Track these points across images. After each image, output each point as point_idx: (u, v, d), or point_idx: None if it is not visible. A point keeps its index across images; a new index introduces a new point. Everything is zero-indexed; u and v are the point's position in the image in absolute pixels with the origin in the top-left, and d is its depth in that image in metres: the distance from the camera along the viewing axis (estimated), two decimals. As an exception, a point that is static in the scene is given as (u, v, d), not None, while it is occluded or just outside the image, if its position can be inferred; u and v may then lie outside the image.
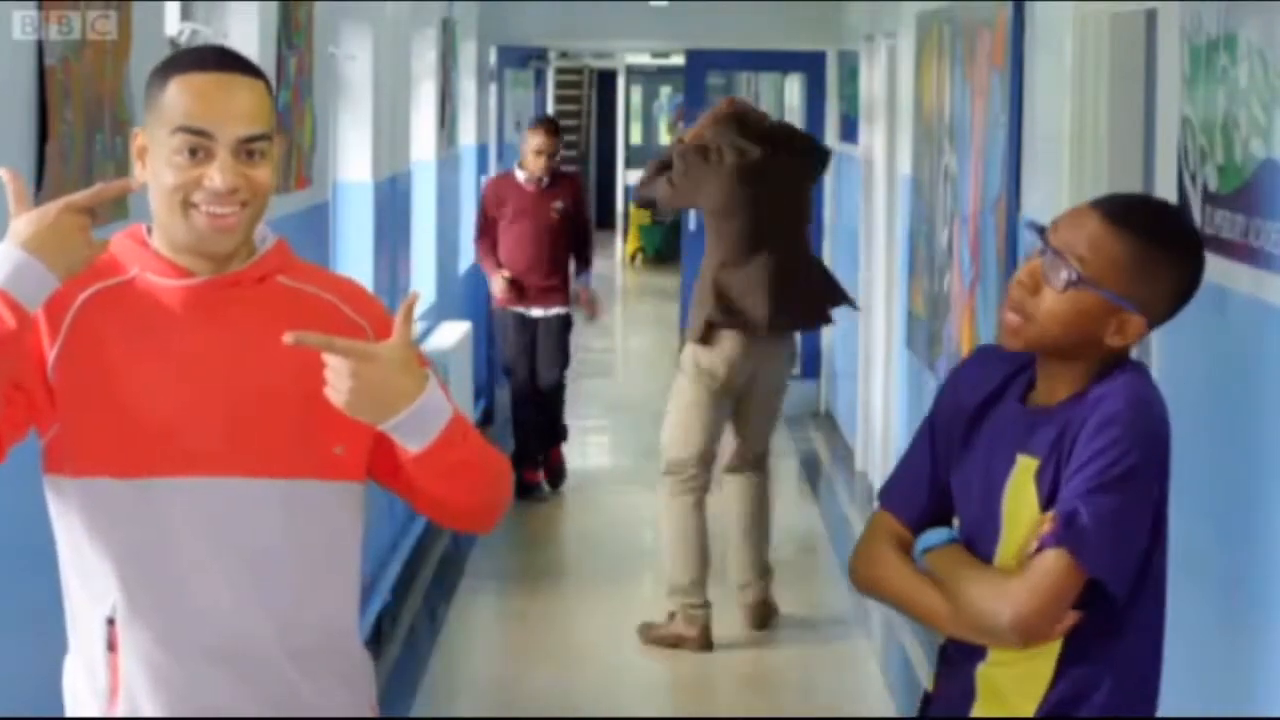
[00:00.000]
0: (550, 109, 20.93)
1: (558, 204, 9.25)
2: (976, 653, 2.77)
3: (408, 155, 8.51)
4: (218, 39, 5.07)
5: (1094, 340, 2.70)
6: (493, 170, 12.43)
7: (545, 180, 9.21)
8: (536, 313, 9.24)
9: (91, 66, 3.62)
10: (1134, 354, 2.81)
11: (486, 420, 10.86)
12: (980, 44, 6.31)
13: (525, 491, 9.23)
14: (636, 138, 25.51)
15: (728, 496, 7.15)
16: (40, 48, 3.36)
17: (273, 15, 5.38)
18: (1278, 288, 3.25)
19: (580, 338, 9.64)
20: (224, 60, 2.50)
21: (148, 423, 2.47)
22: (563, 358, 9.34)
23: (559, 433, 9.49)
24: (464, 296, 10.90)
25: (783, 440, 9.99)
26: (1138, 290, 2.68)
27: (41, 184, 3.33)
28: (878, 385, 9.31)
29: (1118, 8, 4.63)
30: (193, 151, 2.44)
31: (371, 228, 7.31)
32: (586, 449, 10.04)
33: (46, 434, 2.49)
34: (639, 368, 15.07)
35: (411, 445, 2.45)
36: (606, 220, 25.17)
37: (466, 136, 11.40)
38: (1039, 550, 2.65)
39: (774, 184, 6.95)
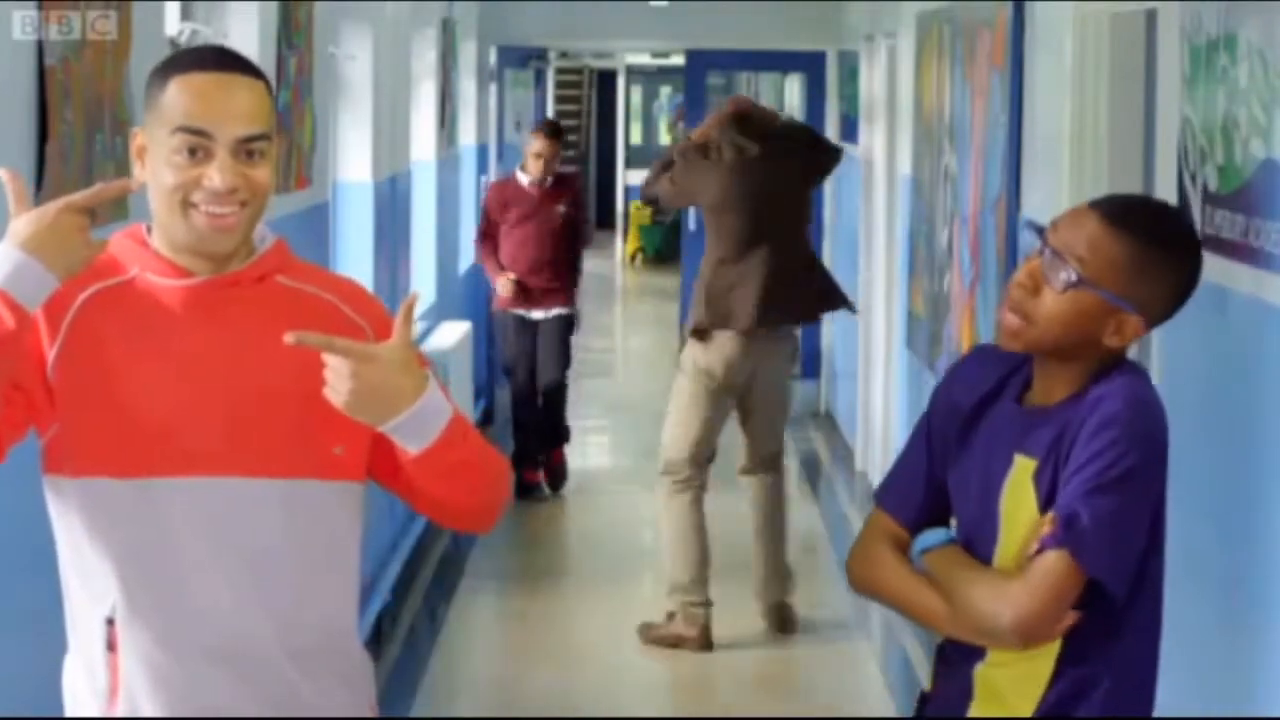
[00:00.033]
0: (550, 109, 20.93)
1: (560, 207, 9.28)
2: (975, 653, 2.77)
3: (408, 155, 8.51)
4: (218, 39, 5.07)
5: (1093, 341, 2.70)
6: (493, 170, 12.44)
7: (548, 183, 9.23)
8: (537, 314, 9.24)
9: (91, 66, 3.62)
10: (1134, 354, 2.82)
11: (486, 420, 10.86)
12: (980, 44, 6.31)
13: (525, 492, 9.23)
14: (636, 138, 25.50)
15: (745, 499, 7.16)
16: (40, 48, 3.36)
17: (273, 15, 5.38)
18: (1278, 288, 3.25)
19: (580, 338, 9.65)
20: (224, 60, 2.50)
21: (147, 423, 2.47)
22: (564, 358, 9.34)
23: (561, 434, 9.48)
24: (464, 296, 10.90)
25: (783, 440, 9.98)
26: (1136, 291, 2.68)
27: (41, 184, 3.33)
28: (878, 385, 9.31)
29: (1118, 8, 4.63)
30: (192, 151, 2.44)
31: (371, 228, 7.31)
32: (586, 449, 10.04)
33: (46, 434, 2.49)
34: (639, 368, 15.07)
35: (411, 446, 2.45)
36: (606, 220, 25.17)
37: (466, 136, 11.40)
38: (1039, 552, 2.65)
39: (773, 182, 6.95)
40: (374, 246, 7.30)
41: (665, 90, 25.11)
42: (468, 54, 11.33)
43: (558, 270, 9.27)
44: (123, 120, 3.76)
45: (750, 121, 7.06)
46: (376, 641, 6.61)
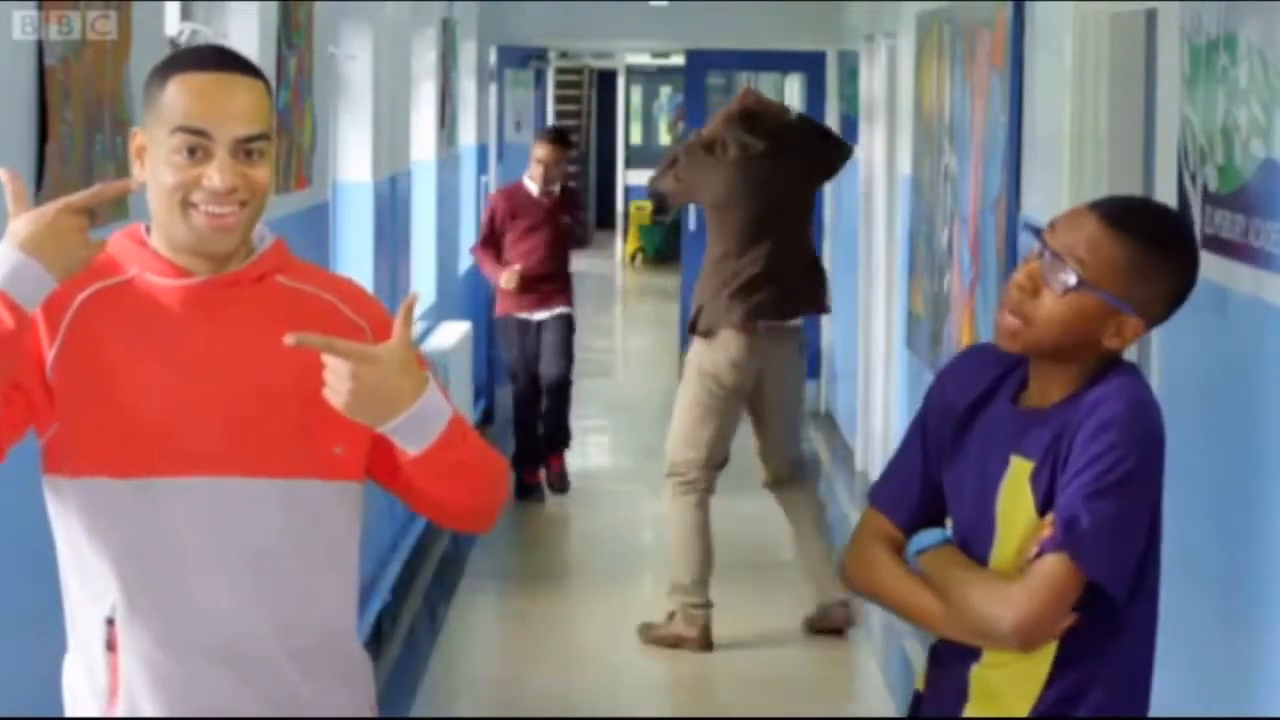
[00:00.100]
0: (550, 109, 20.94)
1: (566, 216, 9.43)
2: (970, 653, 2.77)
3: (408, 155, 8.52)
4: (218, 39, 5.07)
5: (1091, 342, 2.70)
6: (493, 170, 12.44)
7: (556, 191, 9.31)
8: (540, 315, 9.26)
9: (91, 66, 3.62)
10: (1134, 354, 2.82)
11: (486, 420, 10.86)
12: (980, 44, 6.31)
13: (525, 492, 9.24)
14: (636, 138, 25.50)
15: (756, 502, 7.14)
16: (40, 48, 3.36)
17: (273, 15, 5.38)
18: (1278, 288, 3.25)
19: (580, 337, 9.66)
20: (223, 60, 2.50)
21: (146, 422, 2.47)
22: (568, 355, 9.35)
23: (563, 436, 9.46)
24: (464, 296, 10.90)
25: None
26: (1136, 292, 2.68)
27: (41, 184, 3.33)
28: (878, 385, 9.31)
29: (1118, 8, 4.63)
30: (191, 151, 2.44)
31: (371, 228, 7.31)
32: (587, 449, 10.05)
33: (45, 434, 2.49)
34: (639, 368, 15.07)
35: (411, 447, 2.45)
36: (606, 220, 25.17)
37: (466, 136, 11.40)
38: (1039, 555, 2.65)
39: (777, 179, 6.95)
40: (374, 246, 7.30)
41: (665, 90, 25.11)
42: (468, 54, 11.33)
43: (560, 272, 9.34)
44: (123, 120, 3.76)
45: (758, 118, 7.06)
46: (376, 641, 6.61)
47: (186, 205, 2.45)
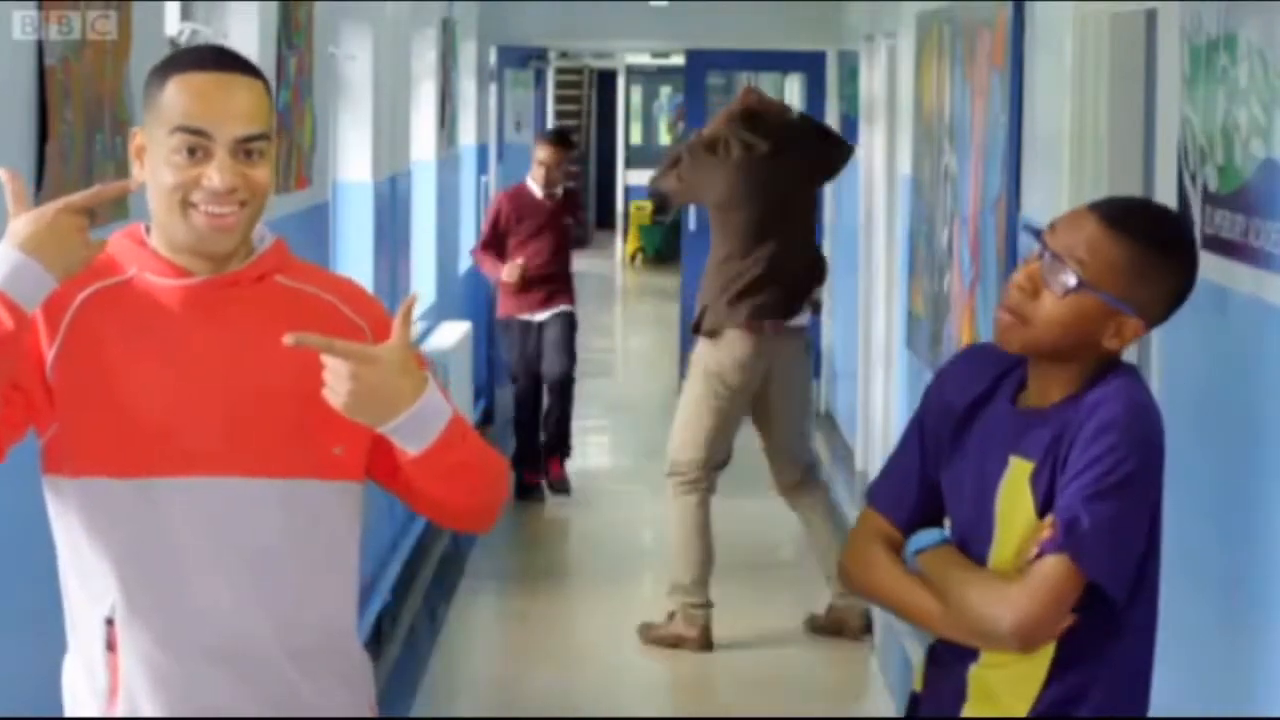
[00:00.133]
0: (550, 109, 20.93)
1: (568, 218, 9.47)
2: (968, 653, 2.77)
3: (408, 155, 8.52)
4: (218, 39, 5.07)
5: (1091, 343, 2.70)
6: (493, 170, 12.44)
7: (559, 194, 9.32)
8: (541, 316, 9.27)
9: (91, 66, 3.62)
10: (1134, 354, 2.82)
11: (486, 420, 10.86)
12: (980, 44, 6.30)
13: (525, 492, 9.24)
14: (636, 138, 25.51)
15: (770, 507, 7.14)
16: (40, 48, 3.36)
17: (273, 15, 5.38)
18: (1278, 288, 3.24)
19: (581, 337, 9.67)
20: (223, 60, 2.50)
21: (146, 422, 2.47)
22: (571, 353, 9.35)
23: (564, 436, 9.44)
24: (464, 296, 10.90)
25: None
26: (1136, 293, 2.68)
27: (41, 184, 3.33)
28: (878, 385, 9.31)
29: (1118, 8, 4.63)
30: (191, 151, 2.44)
31: (371, 228, 7.31)
32: (587, 449, 10.05)
33: (45, 434, 2.49)
34: (639, 368, 15.07)
35: (410, 447, 2.45)
36: (606, 220, 25.17)
37: (466, 136, 11.40)
38: (1039, 556, 2.65)
39: (780, 179, 6.95)
40: (374, 246, 7.30)
41: (665, 90, 25.11)
42: (468, 54, 11.32)
43: (562, 273, 9.37)
44: (123, 120, 3.76)
45: (760, 118, 7.06)
46: (376, 641, 6.61)
47: (186, 205, 2.45)
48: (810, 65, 12.48)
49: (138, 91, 2.66)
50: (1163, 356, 3.96)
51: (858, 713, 6.42)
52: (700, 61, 12.75)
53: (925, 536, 2.82)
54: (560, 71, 23.09)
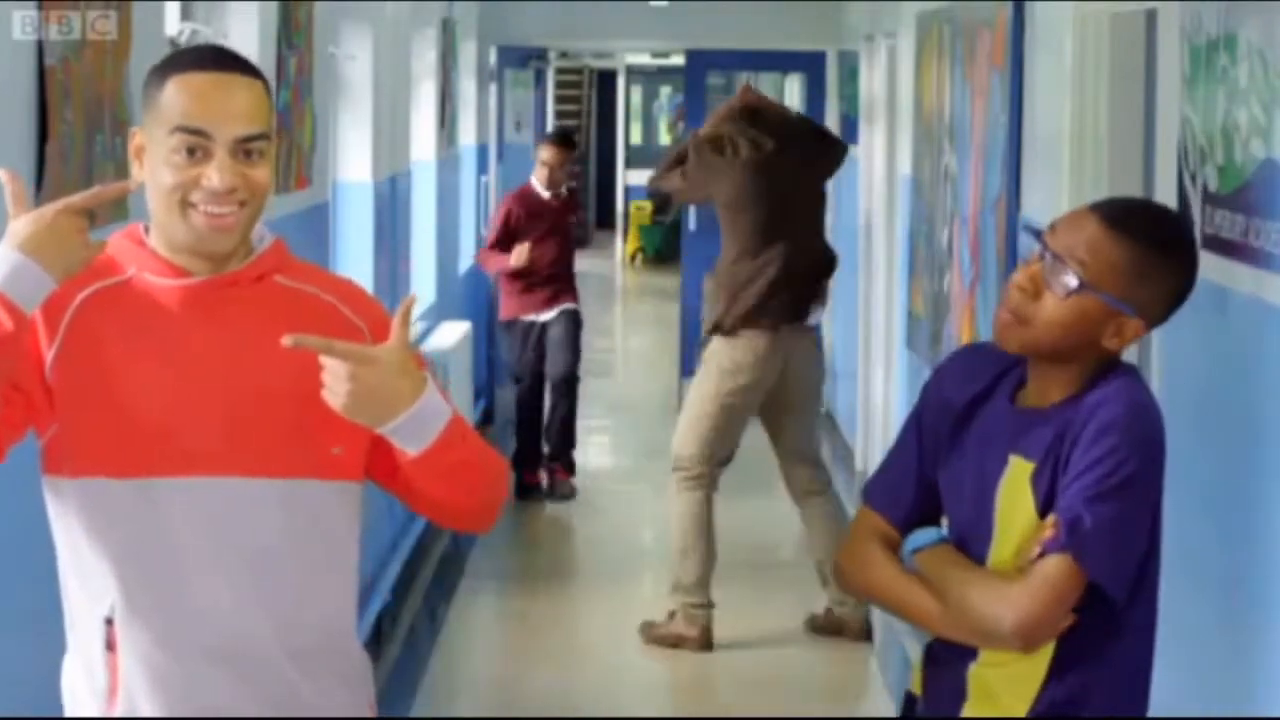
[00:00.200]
0: (550, 109, 20.93)
1: (573, 217, 9.54)
2: (968, 652, 2.77)
3: (408, 155, 8.51)
4: (218, 39, 5.07)
5: (1091, 343, 2.70)
6: (493, 170, 12.44)
7: (563, 194, 9.35)
8: (546, 316, 9.27)
9: (91, 66, 3.62)
10: (1134, 354, 2.82)
11: (486, 420, 10.86)
12: (980, 44, 6.30)
13: (525, 492, 9.24)
14: (636, 138, 25.51)
15: (776, 507, 7.11)
16: (40, 48, 3.36)
17: (273, 15, 5.38)
18: (1278, 288, 3.25)
19: (582, 336, 9.67)
20: (222, 60, 2.50)
21: (146, 423, 2.47)
22: (575, 351, 9.34)
23: (569, 442, 9.41)
24: (464, 296, 10.90)
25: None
26: (1137, 294, 2.68)
27: (41, 184, 3.33)
28: (878, 385, 9.31)
29: (1118, 8, 4.63)
30: (190, 151, 2.44)
31: (371, 228, 7.31)
32: (587, 449, 10.04)
33: (45, 435, 2.49)
34: (639, 368, 15.07)
35: (410, 448, 2.45)
36: (606, 220, 25.17)
37: (466, 136, 11.40)
38: (1041, 555, 2.64)
39: (790, 177, 6.95)
40: (374, 246, 7.30)
41: (665, 90, 25.11)
42: (468, 54, 11.32)
43: (566, 272, 9.39)
44: (123, 120, 3.76)
45: (761, 114, 7.06)
46: (376, 641, 6.61)
47: (186, 205, 2.45)
48: (810, 65, 12.48)
49: (138, 91, 2.66)
50: (1163, 356, 3.96)
51: (858, 713, 6.42)
52: (700, 61, 12.75)
53: (923, 535, 2.82)
54: (560, 71, 23.09)
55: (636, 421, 11.68)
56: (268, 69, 5.06)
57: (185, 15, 5.03)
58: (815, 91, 12.44)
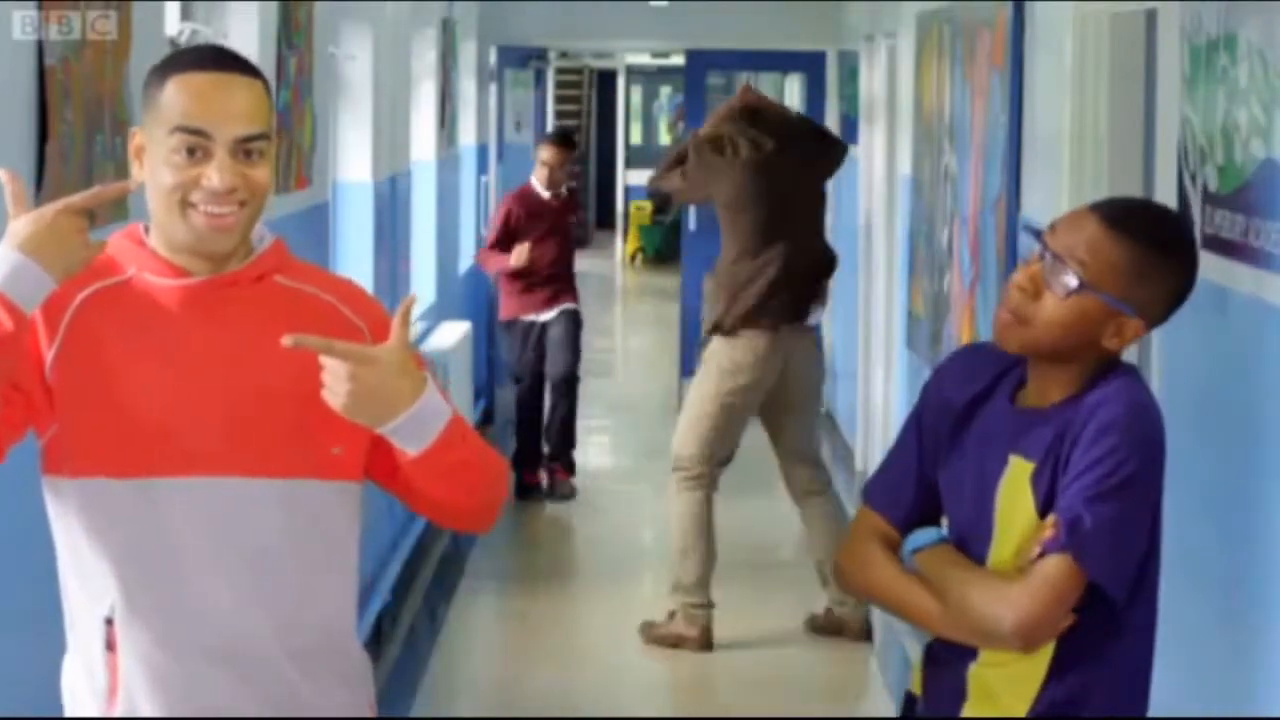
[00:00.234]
0: (550, 109, 20.93)
1: (572, 217, 9.54)
2: (968, 652, 2.77)
3: (408, 155, 8.52)
4: (218, 39, 5.07)
5: (1091, 343, 2.70)
6: (493, 170, 12.44)
7: (563, 194, 9.35)
8: (546, 316, 9.27)
9: (91, 66, 3.62)
10: (1134, 354, 2.82)
11: (486, 420, 10.85)
12: (980, 44, 6.30)
13: (525, 492, 9.23)
14: (636, 138, 25.51)
15: (777, 507, 7.10)
16: (40, 48, 3.36)
17: (273, 15, 5.38)
18: (1278, 288, 3.25)
19: (583, 336, 9.67)
20: (222, 60, 2.50)
21: (146, 422, 2.47)
22: (575, 351, 9.34)
23: (570, 443, 9.41)
24: (464, 296, 10.90)
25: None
26: (1137, 294, 2.68)
27: (41, 184, 3.33)
28: (878, 385, 9.31)
29: (1118, 8, 4.63)
30: (190, 151, 2.44)
31: (371, 228, 7.31)
32: (587, 449, 10.05)
33: (45, 435, 2.49)
34: (639, 368, 15.06)
35: (410, 448, 2.45)
36: (606, 220, 25.17)
37: (466, 136, 11.40)
38: (1041, 555, 2.64)
39: (790, 176, 6.95)
40: (374, 246, 7.30)
41: (665, 90, 25.11)
42: (468, 54, 11.32)
43: (567, 272, 9.40)
44: (123, 120, 3.76)
45: (761, 114, 7.06)
46: (376, 641, 6.61)
47: (186, 205, 2.45)
48: (810, 65, 12.48)
49: (138, 91, 2.66)
50: (1163, 356, 3.96)
51: (858, 713, 6.42)
52: (700, 61, 12.75)
53: (923, 535, 2.81)
54: (560, 71, 23.09)
55: (636, 421, 11.68)
56: (268, 69, 5.06)
57: (185, 15, 5.03)
58: (815, 91, 12.44)
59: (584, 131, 24.84)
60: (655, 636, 6.88)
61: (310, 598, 2.56)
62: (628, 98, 25.38)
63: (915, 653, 6.56)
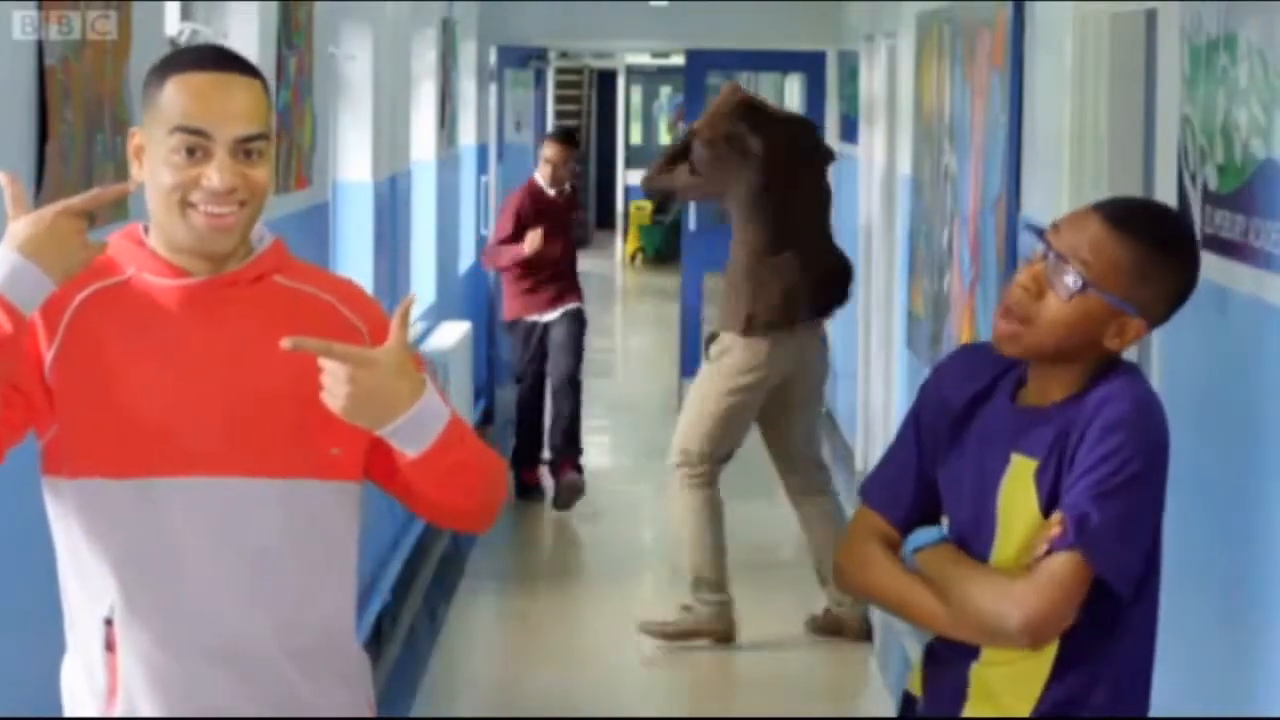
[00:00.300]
0: (550, 109, 20.93)
1: (575, 214, 9.57)
2: (969, 652, 2.76)
3: (408, 155, 8.51)
4: (218, 39, 5.07)
5: (1093, 343, 2.70)
6: (493, 170, 12.44)
7: (567, 191, 9.35)
8: (550, 316, 9.26)
9: (91, 66, 3.62)
10: (1134, 354, 2.82)
11: (486, 420, 10.85)
12: (980, 44, 6.31)
13: (525, 492, 9.23)
14: (636, 138, 25.51)
15: (777, 508, 7.09)
16: (40, 48, 3.36)
17: (273, 15, 5.38)
18: (1278, 288, 3.25)
19: (584, 338, 9.67)
20: (221, 60, 2.50)
21: (145, 423, 2.47)
22: (578, 352, 9.32)
23: (574, 439, 9.39)
24: (464, 296, 10.90)
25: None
26: (1139, 294, 2.68)
27: (41, 184, 3.33)
28: (878, 385, 9.31)
29: (1118, 8, 4.63)
30: (190, 151, 2.44)
31: (371, 228, 7.31)
32: (587, 449, 10.04)
33: (45, 435, 2.49)
34: (639, 368, 15.06)
35: (409, 449, 2.45)
36: (606, 220, 25.18)
37: (466, 136, 11.40)
38: (1048, 553, 2.64)
39: (801, 174, 6.95)
40: (374, 246, 7.29)
41: (665, 90, 25.12)
42: (468, 54, 11.32)
43: (571, 270, 9.39)
44: (123, 120, 3.76)
45: (761, 111, 7.06)
46: (376, 641, 6.61)
47: (185, 205, 2.45)
48: (810, 65, 12.48)
49: (138, 91, 2.66)
50: (1163, 356, 3.96)
51: (858, 713, 6.42)
52: (700, 61, 12.75)
53: (924, 535, 2.81)
54: (560, 71, 23.09)
55: (636, 421, 11.68)
56: (268, 69, 5.06)
57: (185, 15, 5.03)
58: (815, 91, 12.44)
59: (584, 131, 24.84)
60: (672, 633, 6.83)
61: (310, 598, 2.56)
62: (628, 98, 25.38)
63: (915, 653, 6.56)
